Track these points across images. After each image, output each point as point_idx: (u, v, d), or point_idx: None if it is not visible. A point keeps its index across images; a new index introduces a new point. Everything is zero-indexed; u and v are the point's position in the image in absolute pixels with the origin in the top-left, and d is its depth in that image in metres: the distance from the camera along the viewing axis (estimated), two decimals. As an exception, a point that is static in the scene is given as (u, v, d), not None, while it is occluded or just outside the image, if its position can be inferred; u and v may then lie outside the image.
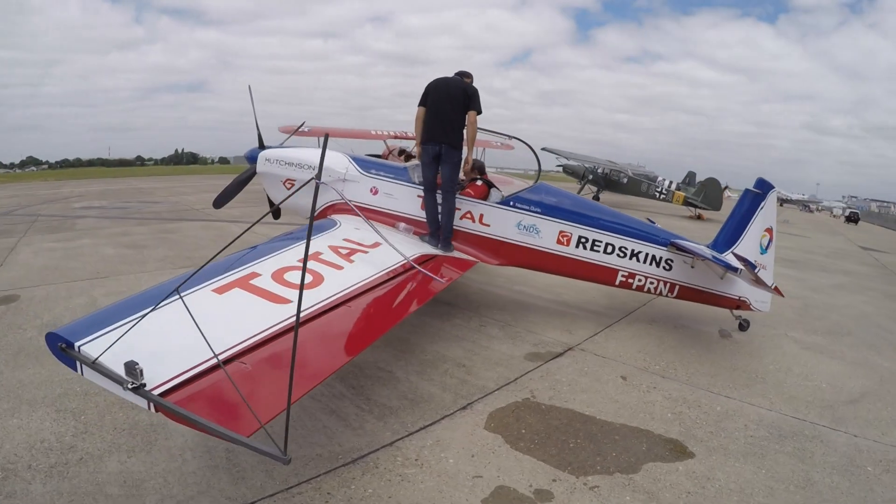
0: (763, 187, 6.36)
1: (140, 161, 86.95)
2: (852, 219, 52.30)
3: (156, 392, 2.11)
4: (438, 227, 5.44)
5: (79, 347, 2.23)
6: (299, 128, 8.89)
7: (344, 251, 4.00)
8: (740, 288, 6.18)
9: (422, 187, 5.57)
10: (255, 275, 3.11)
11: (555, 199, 5.96)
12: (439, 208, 5.49)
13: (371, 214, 5.60)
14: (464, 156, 5.51)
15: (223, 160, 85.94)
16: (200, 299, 2.72)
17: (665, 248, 6.02)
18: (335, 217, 5.18)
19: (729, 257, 6.05)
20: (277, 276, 3.16)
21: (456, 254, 5.46)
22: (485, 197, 5.84)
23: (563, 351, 5.43)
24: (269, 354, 2.53)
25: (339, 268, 3.59)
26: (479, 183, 5.88)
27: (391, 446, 3.22)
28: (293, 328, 2.66)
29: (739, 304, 6.25)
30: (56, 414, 3.43)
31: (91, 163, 76.57)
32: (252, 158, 6.37)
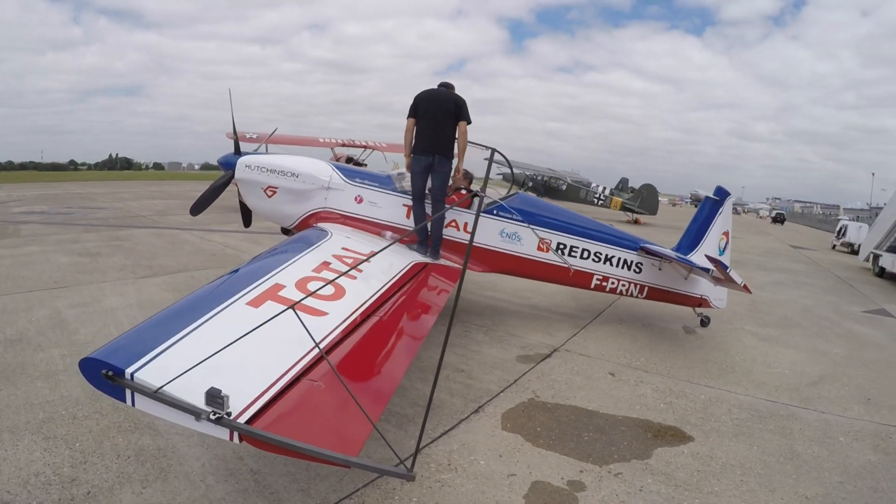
0: (721, 195, 7.18)
1: (73, 165, 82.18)
2: (778, 219, 58.02)
3: (241, 420, 1.98)
4: (427, 236, 5.62)
5: (131, 375, 2.05)
6: (272, 134, 8.88)
7: (348, 260, 4.12)
8: (702, 287, 6.90)
9: (406, 196, 5.78)
10: (279, 286, 3.08)
11: (534, 207, 6.40)
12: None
13: (356, 223, 5.74)
14: (454, 166, 5.76)
15: (157, 166, 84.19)
16: (239, 313, 2.68)
17: (635, 252, 6.60)
18: (322, 226, 5.24)
19: (696, 258, 6.76)
20: (301, 287, 3.19)
21: (442, 262, 5.68)
22: (469, 206, 6.09)
23: (549, 352, 5.78)
24: (331, 370, 2.50)
25: (353, 278, 3.70)
26: (463, 192, 6.14)
27: (420, 453, 3.37)
28: (342, 340, 2.78)
29: (701, 301, 6.97)
30: (45, 442, 3.21)
31: (23, 166, 71.41)
32: (227, 164, 6.29)
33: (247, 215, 6.78)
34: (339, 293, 3.29)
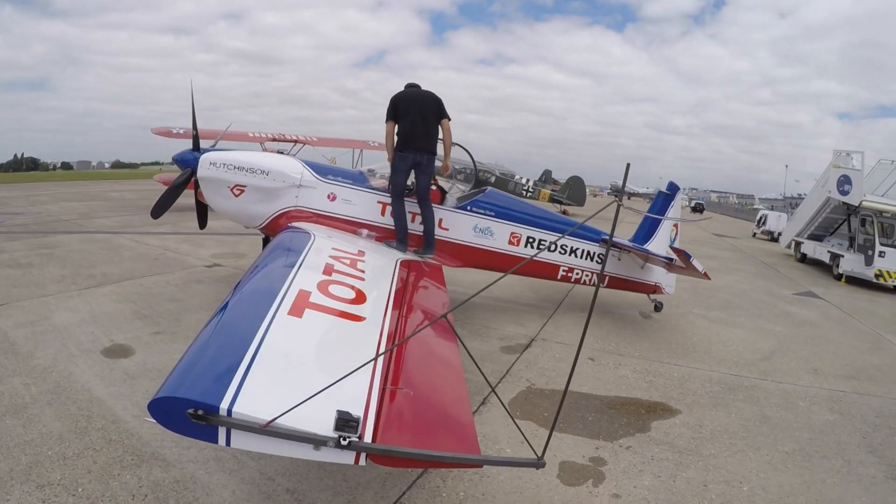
0: (672, 189, 7.99)
1: (-27, 168, 73.18)
2: (697, 209, 62.91)
3: (366, 439, 1.97)
4: (406, 234, 5.80)
5: (229, 411, 1.91)
6: (226, 129, 8.54)
7: (346, 261, 4.24)
8: (656, 275, 7.62)
9: (381, 193, 5.95)
10: (306, 293, 3.07)
11: (505, 202, 6.76)
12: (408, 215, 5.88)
13: (330, 221, 5.78)
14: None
15: (66, 165, 77.74)
16: (289, 324, 2.64)
17: (598, 244, 7.16)
18: (298, 226, 5.23)
19: (652, 247, 7.47)
20: (325, 292, 3.19)
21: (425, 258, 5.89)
22: (440, 202, 6.32)
23: (528, 342, 6.18)
24: (409, 373, 2.57)
25: (361, 279, 3.82)
26: (434, 188, 6.34)
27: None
28: (398, 344, 2.88)
29: (655, 288, 7.70)
30: (40, 492, 2.88)
31: (-81, 167, 62.59)
32: (185, 162, 6.02)
33: (203, 216, 6.61)
34: (361, 297, 3.37)
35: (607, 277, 7.35)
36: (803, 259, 17.40)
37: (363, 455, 1.96)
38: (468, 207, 6.39)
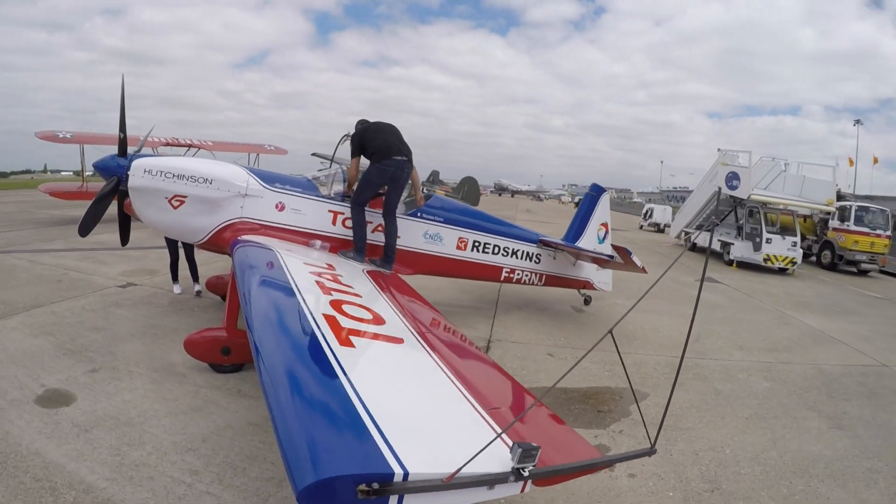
0: (597, 191, 8.86)
1: None
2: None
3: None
4: (365, 243, 5.90)
5: (406, 475, 1.87)
6: (149, 134, 7.80)
7: (329, 276, 4.32)
8: (586, 271, 8.43)
9: (331, 201, 6.05)
10: (331, 317, 3.12)
11: (451, 207, 7.13)
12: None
13: (279, 233, 5.72)
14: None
15: None
16: (353, 360, 2.65)
17: (535, 245, 7.79)
18: (251, 239, 5.15)
19: (582, 244, 8.26)
20: (346, 314, 3.27)
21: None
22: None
23: (486, 344, 6.57)
24: (492, 391, 2.76)
25: (358, 296, 3.92)
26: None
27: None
28: (461, 365, 3.07)
29: (586, 284, 8.51)
30: None
31: None
32: (109, 169, 5.66)
33: (126, 230, 6.20)
34: (378, 317, 3.50)
35: (544, 276, 7.99)
36: (693, 248, 19.67)
37: (529, 482, 2.04)
38: (418, 214, 6.66)
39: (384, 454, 1.93)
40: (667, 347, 6.93)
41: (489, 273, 7.41)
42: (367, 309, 3.60)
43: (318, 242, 5.92)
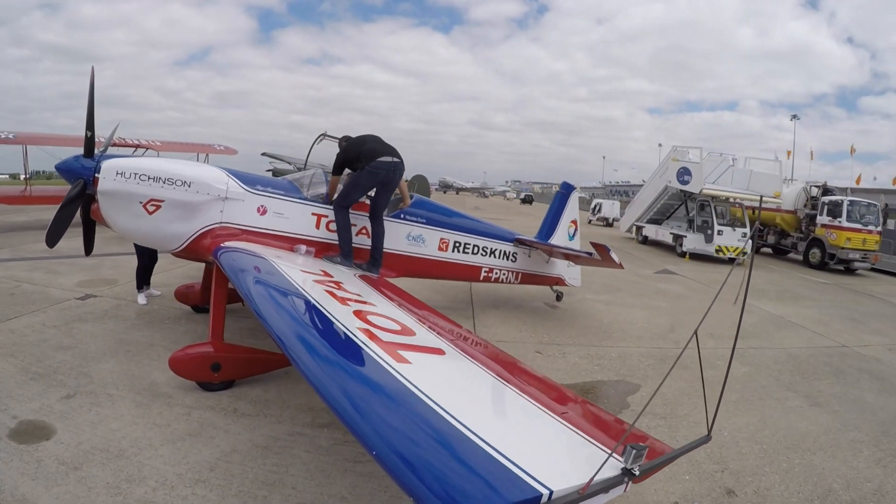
0: (567, 189, 9.16)
1: None
2: (527, 200, 69.35)
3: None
4: (352, 246, 5.89)
5: (551, 495, 1.90)
6: (114, 132, 7.27)
7: (332, 283, 4.33)
8: (558, 268, 8.71)
9: (315, 204, 5.96)
10: (366, 331, 3.11)
11: (432, 208, 7.17)
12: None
13: (261, 238, 5.58)
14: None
15: None
16: (423, 377, 2.63)
17: (511, 244, 7.98)
18: (235, 246, 5.05)
19: (555, 241, 8.52)
20: (378, 326, 3.28)
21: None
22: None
23: (473, 344, 6.72)
24: (541, 397, 2.80)
25: (373, 304, 3.96)
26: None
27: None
28: (504, 372, 3.13)
29: (558, 281, 8.78)
30: None
31: None
32: (73, 172, 5.30)
33: (91, 238, 5.84)
34: (406, 328, 3.50)
35: (520, 274, 8.19)
36: (644, 241, 20.51)
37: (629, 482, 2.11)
38: (401, 216, 6.67)
39: (523, 478, 1.94)
40: (645, 340, 7.26)
41: (468, 273, 7.53)
42: (391, 319, 3.60)
43: (303, 247, 5.81)
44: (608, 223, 32.23)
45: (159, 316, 6.80)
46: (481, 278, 7.71)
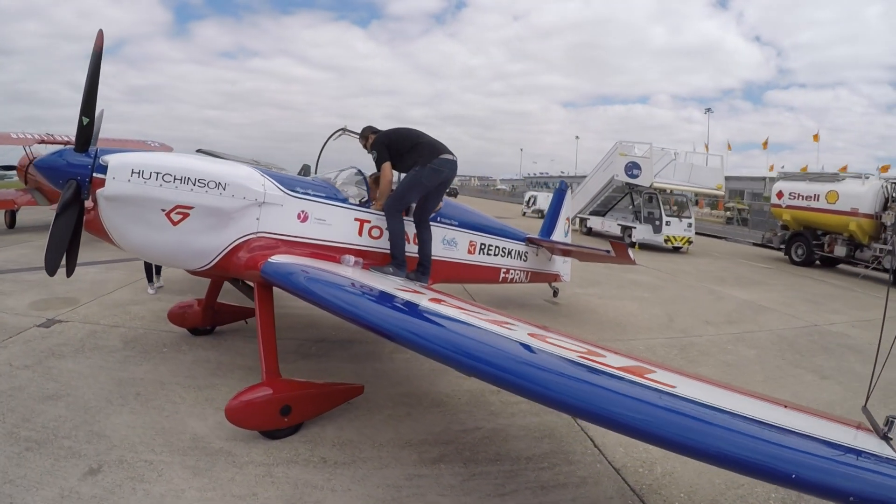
0: (563, 187, 10.02)
1: None
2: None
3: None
4: (404, 255, 5.60)
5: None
6: (101, 119, 6.49)
7: (434, 298, 4.44)
8: (556, 265, 9.53)
9: (357, 208, 5.59)
10: (589, 357, 3.21)
11: (461, 210, 7.29)
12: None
13: (302, 249, 5.08)
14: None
15: None
16: (687, 388, 2.86)
17: (524, 243, 8.64)
18: (285, 261, 4.57)
19: (553, 236, 9.33)
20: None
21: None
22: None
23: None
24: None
25: (465, 310, 4.12)
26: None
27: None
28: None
29: (556, 277, 9.61)
30: None
31: None
32: (60, 171, 4.35)
33: (74, 256, 4.72)
34: (596, 352, 3.47)
35: (530, 273, 8.75)
36: (589, 232, 22.00)
37: None
38: (437, 218, 6.45)
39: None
40: (655, 331, 8.18)
41: (490, 275, 7.70)
42: (571, 339, 3.75)
43: (351, 258, 5.35)
44: (542, 216, 33.80)
45: (151, 342, 5.99)
46: (500, 280, 7.90)
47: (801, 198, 17.80)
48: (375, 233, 5.65)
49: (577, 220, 22.95)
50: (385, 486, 3.55)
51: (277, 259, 4.59)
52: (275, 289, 4.61)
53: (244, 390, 4.05)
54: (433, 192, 5.78)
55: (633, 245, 18.62)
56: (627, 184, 18.98)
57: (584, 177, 23.29)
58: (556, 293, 9.95)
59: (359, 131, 6.23)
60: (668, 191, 19.14)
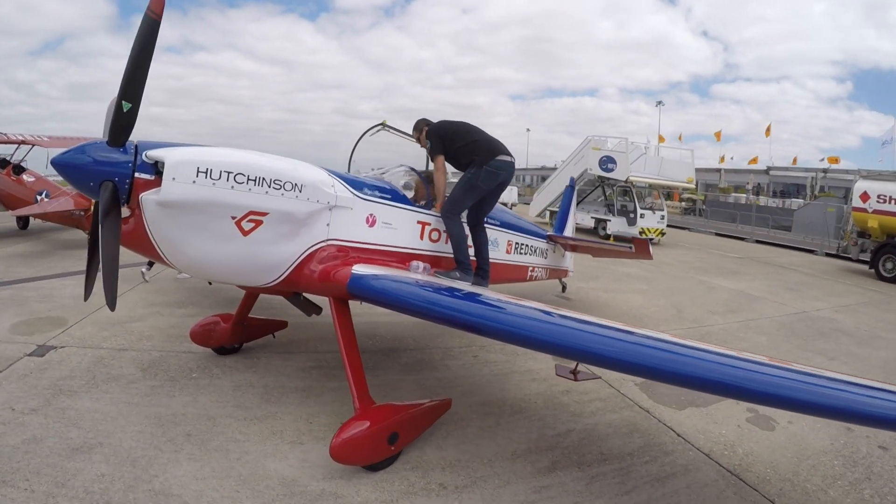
0: (571, 183, 10.71)
1: None
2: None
3: None
4: (470, 260, 5.51)
5: None
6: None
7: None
8: (567, 261, 10.18)
9: (419, 210, 5.44)
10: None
11: (498, 210, 6.81)
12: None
13: (371, 256, 4.78)
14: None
15: None
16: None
17: (545, 241, 9.16)
18: (369, 272, 4.19)
19: (566, 232, 9.98)
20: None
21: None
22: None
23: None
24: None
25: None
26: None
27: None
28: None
29: (566, 272, 10.26)
30: None
31: None
32: (90, 170, 3.58)
33: (93, 277, 4.09)
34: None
35: (548, 269, 8.96)
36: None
37: None
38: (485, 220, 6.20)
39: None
40: (670, 322, 8.88)
41: (519, 274, 7.75)
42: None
43: (420, 265, 4.97)
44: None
45: (174, 367, 5.35)
46: (528, 278, 8.02)
47: (894, 202, 15.27)
48: (434, 235, 5.50)
49: (548, 213, 23.84)
50: (518, 502, 3.59)
51: (361, 270, 4.17)
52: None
53: (344, 426, 3.72)
54: (491, 194, 5.64)
55: (608, 237, 19.67)
56: (600, 177, 19.97)
57: (536, 169, 24.15)
58: (564, 288, 10.40)
59: (400, 129, 6.13)
60: (660, 185, 20.20)
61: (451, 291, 4.20)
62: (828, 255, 20.20)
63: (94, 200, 3.87)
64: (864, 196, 15.92)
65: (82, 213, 10.96)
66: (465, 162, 5.45)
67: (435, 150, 5.45)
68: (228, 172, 3.76)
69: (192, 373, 5.24)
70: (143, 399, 4.59)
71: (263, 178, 3.89)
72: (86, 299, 4.22)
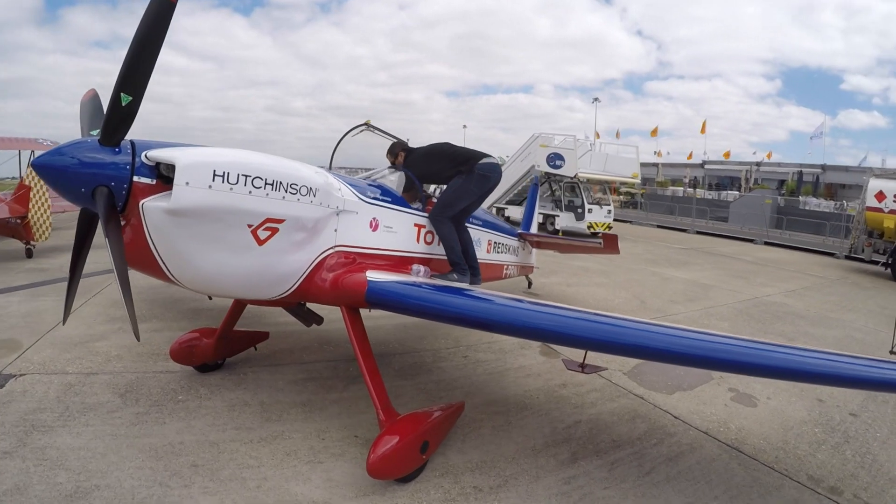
0: (536, 181, 11.14)
1: None
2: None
3: None
4: (464, 260, 5.63)
5: None
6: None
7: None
8: (533, 257, 10.53)
9: (416, 212, 5.49)
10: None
11: (480, 209, 6.84)
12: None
13: (373, 261, 4.75)
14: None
15: None
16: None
17: (517, 239, 9.19)
18: (383, 280, 4.16)
19: (532, 229, 10.37)
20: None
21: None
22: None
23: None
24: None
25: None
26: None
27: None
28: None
29: (532, 268, 10.65)
30: None
31: None
32: (77, 174, 3.16)
33: (72, 296, 3.78)
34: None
35: (519, 267, 9.15)
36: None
37: None
38: (469, 219, 6.31)
39: None
40: (637, 312, 9.35)
41: (497, 273, 7.86)
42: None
43: (422, 268, 5.12)
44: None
45: (155, 390, 4.92)
46: (503, 276, 8.15)
47: None
48: (429, 238, 5.56)
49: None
50: (554, 495, 3.73)
51: (376, 277, 4.14)
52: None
53: (377, 441, 3.65)
54: (480, 198, 5.79)
55: (556, 233, 20.36)
56: (547, 174, 20.61)
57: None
58: (530, 284, 10.64)
59: (383, 129, 6.23)
60: (608, 181, 21.00)
61: (467, 294, 4.30)
62: (766, 243, 21.57)
63: (79, 208, 3.51)
64: (880, 195, 15.52)
65: (18, 221, 10.36)
66: (449, 174, 5.61)
67: (418, 168, 5.69)
68: (246, 176, 3.48)
69: (177, 395, 4.85)
70: (131, 429, 4.18)
71: (280, 183, 3.68)
72: (64, 323, 3.97)
